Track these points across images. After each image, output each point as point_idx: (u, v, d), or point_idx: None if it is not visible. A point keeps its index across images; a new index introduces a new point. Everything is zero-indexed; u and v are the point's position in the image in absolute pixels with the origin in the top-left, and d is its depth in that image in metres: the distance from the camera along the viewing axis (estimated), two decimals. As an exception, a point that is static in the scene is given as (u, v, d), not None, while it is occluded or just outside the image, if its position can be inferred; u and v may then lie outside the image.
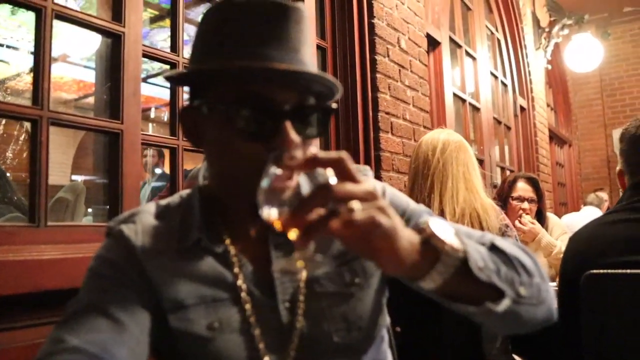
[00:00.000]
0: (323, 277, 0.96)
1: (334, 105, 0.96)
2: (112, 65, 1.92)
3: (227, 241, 0.96)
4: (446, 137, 2.13)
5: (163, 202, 1.03)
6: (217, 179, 0.98)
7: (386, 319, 1.06)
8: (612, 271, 1.50)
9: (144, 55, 2.00)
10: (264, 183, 0.73)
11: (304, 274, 0.95)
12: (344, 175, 0.71)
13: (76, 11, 1.78)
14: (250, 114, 0.87)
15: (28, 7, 1.66)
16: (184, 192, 1.05)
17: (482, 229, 1.91)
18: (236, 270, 0.93)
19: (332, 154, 0.71)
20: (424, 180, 2.06)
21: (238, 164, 0.89)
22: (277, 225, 0.73)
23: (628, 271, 1.46)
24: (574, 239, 1.82)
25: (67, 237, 1.65)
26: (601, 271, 1.52)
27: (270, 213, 0.73)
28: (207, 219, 0.97)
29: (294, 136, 0.83)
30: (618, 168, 1.84)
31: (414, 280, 0.77)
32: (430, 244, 0.76)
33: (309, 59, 0.92)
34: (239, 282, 0.92)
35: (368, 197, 0.70)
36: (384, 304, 1.05)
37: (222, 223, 0.98)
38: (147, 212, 0.99)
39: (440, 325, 1.83)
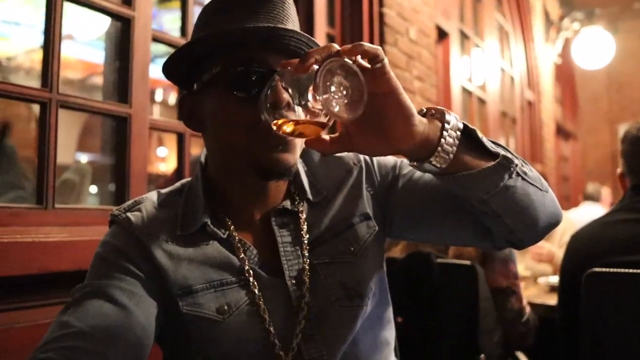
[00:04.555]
0: (320, 251, 0.99)
1: None
2: (121, 49, 1.92)
3: (231, 227, 0.97)
4: None
5: (165, 190, 1.05)
6: (218, 157, 1.00)
7: (387, 295, 1.10)
8: (613, 270, 1.52)
9: (154, 40, 1.99)
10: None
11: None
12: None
13: (86, -6, 1.78)
14: (242, 78, 0.90)
15: (39, -11, 1.66)
16: (185, 180, 1.07)
17: None
18: (241, 254, 0.95)
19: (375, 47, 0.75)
20: None
21: (236, 131, 0.91)
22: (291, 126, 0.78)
23: (629, 271, 1.48)
24: (575, 238, 1.83)
25: (74, 219, 1.66)
26: (602, 269, 1.54)
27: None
28: (210, 205, 0.99)
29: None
30: (619, 170, 1.85)
31: (425, 160, 0.82)
32: (431, 111, 0.84)
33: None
34: (246, 266, 0.94)
35: (378, 52, 0.74)
36: (384, 276, 1.09)
37: (224, 209, 0.99)
38: (151, 200, 1.01)
39: (439, 318, 1.85)
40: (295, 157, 0.94)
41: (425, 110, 0.85)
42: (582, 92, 9.44)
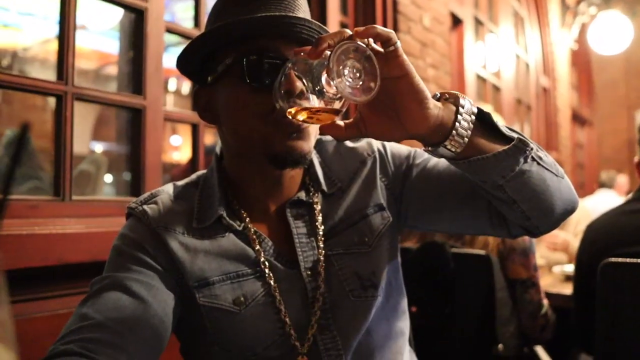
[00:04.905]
0: (334, 242, 1.00)
1: None
2: (134, 41, 1.93)
3: (247, 219, 0.98)
4: None
5: (181, 182, 1.06)
6: (233, 149, 1.00)
7: (402, 285, 1.10)
8: (629, 260, 1.50)
9: (167, 31, 2.00)
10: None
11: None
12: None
13: (101, -14, 1.78)
14: (255, 67, 0.90)
15: (53, -18, 1.67)
16: (201, 172, 1.08)
17: None
18: (257, 246, 0.96)
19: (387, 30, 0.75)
20: None
21: (250, 120, 0.92)
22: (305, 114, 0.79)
23: (645, 261, 1.46)
24: (590, 228, 1.81)
25: (91, 210, 1.68)
26: (618, 260, 1.52)
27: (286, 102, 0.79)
28: (226, 197, 1.00)
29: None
30: (636, 158, 1.82)
31: (439, 145, 0.81)
32: (445, 95, 0.83)
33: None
34: (261, 258, 0.95)
35: (391, 36, 0.74)
36: (399, 266, 1.09)
37: (239, 200, 1.00)
38: (167, 193, 1.02)
39: (453, 308, 1.85)
40: (310, 145, 0.94)
41: (439, 94, 0.84)
42: (599, 77, 9.30)
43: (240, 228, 0.97)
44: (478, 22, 4.55)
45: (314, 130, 0.95)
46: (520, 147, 0.83)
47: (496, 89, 4.92)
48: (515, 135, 0.84)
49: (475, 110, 0.82)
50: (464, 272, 1.83)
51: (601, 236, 1.74)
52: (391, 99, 0.77)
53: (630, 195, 1.81)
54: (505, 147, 0.82)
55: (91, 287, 0.89)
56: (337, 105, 0.77)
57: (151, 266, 0.91)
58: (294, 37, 0.92)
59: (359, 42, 0.72)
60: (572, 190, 0.94)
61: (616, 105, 9.28)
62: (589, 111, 8.95)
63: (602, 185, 5.59)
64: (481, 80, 4.61)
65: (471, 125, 0.81)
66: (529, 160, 0.84)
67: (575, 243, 3.11)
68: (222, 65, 0.94)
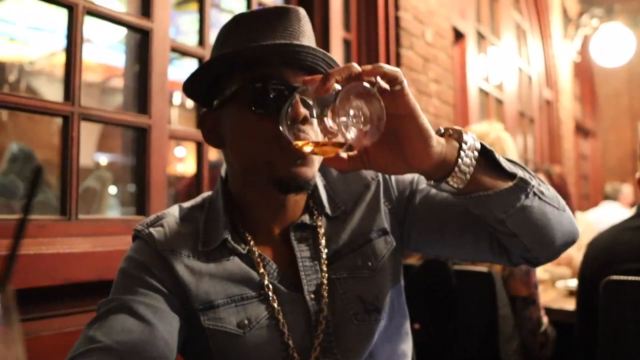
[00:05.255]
0: (338, 265, 1.01)
1: None
2: (140, 60, 1.96)
3: (251, 242, 1.00)
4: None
5: (186, 204, 1.08)
6: (238, 173, 1.02)
7: (404, 307, 1.12)
8: (632, 278, 1.51)
9: (172, 50, 2.03)
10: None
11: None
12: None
13: (107, 8, 1.81)
14: (261, 94, 0.92)
15: (60, 4, 1.70)
16: (206, 194, 1.10)
17: None
18: (261, 269, 0.97)
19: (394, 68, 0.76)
20: None
21: (255, 146, 0.93)
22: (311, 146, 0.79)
23: (647, 279, 1.47)
24: (592, 244, 1.82)
25: (97, 229, 1.70)
26: (620, 277, 1.53)
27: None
28: (231, 220, 1.01)
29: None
30: (638, 175, 1.83)
31: (442, 180, 0.83)
32: (449, 131, 0.84)
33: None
34: (265, 281, 0.96)
35: (397, 75, 0.75)
36: (402, 289, 1.11)
37: (244, 223, 1.02)
38: (173, 215, 1.04)
39: (456, 324, 1.85)
40: (313, 171, 0.96)
41: (443, 130, 0.86)
42: (602, 88, 9.30)
43: (245, 251, 0.99)
44: (480, 36, 4.58)
45: (318, 156, 0.97)
46: (521, 185, 0.85)
47: (499, 102, 4.94)
48: (518, 172, 0.86)
49: (479, 147, 0.84)
50: (466, 289, 1.84)
51: (603, 252, 1.75)
52: (395, 135, 0.79)
53: (633, 210, 1.81)
54: (507, 186, 0.84)
55: (98, 308, 0.91)
56: (341, 138, 0.78)
57: (157, 289, 0.93)
58: (299, 64, 0.94)
59: (365, 84, 0.72)
60: (573, 222, 0.96)
61: (620, 116, 9.27)
62: (592, 122, 8.95)
63: (607, 197, 5.59)
64: (484, 93, 4.63)
65: (474, 162, 0.83)
66: (530, 196, 0.86)
67: (578, 257, 3.10)
68: (227, 90, 0.96)
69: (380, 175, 1.10)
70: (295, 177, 0.93)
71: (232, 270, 0.97)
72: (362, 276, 1.02)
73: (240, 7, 2.63)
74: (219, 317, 0.93)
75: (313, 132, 0.87)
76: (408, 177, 1.11)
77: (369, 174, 1.10)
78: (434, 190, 1.06)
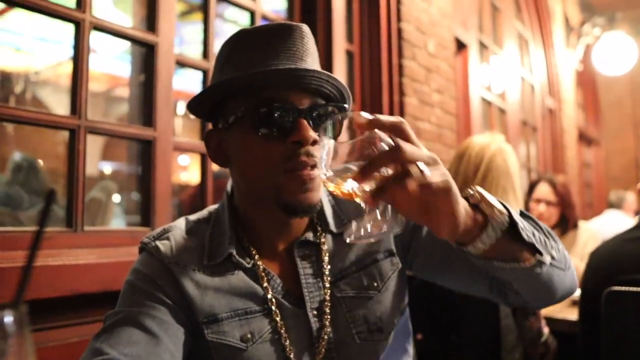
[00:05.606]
0: (343, 284, 1.02)
1: (346, 105, 1.01)
2: (145, 74, 1.98)
3: (256, 256, 1.01)
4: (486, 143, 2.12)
5: (192, 217, 1.09)
6: (244, 191, 1.03)
7: (408, 326, 1.12)
8: (634, 289, 1.52)
9: (177, 63, 2.05)
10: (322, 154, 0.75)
11: (372, 241, 0.94)
12: (405, 138, 0.72)
13: (112, 23, 1.84)
14: (266, 118, 0.92)
15: (67, 20, 1.72)
16: (212, 208, 1.11)
17: None
18: (265, 284, 0.98)
19: (392, 117, 0.74)
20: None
21: (261, 170, 0.94)
22: (338, 190, 0.76)
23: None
24: (596, 254, 1.83)
25: (102, 241, 1.72)
26: (622, 288, 1.54)
27: (328, 176, 0.75)
28: (236, 234, 1.03)
29: (311, 132, 0.87)
30: (639, 185, 1.84)
31: (463, 245, 0.82)
32: (480, 208, 0.81)
33: (314, 67, 0.98)
34: (269, 295, 0.98)
35: (432, 162, 0.73)
36: (406, 308, 1.11)
37: (249, 238, 1.03)
38: (179, 229, 1.05)
39: (459, 335, 1.86)
40: (319, 195, 0.97)
41: (477, 196, 0.82)
42: (605, 96, 9.30)
43: (250, 265, 1.00)
44: (482, 46, 4.60)
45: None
46: (536, 265, 0.85)
47: (501, 111, 4.95)
48: (537, 245, 0.85)
49: (506, 225, 0.81)
50: (469, 300, 1.84)
51: (605, 263, 1.76)
52: (426, 203, 0.74)
53: (635, 220, 1.82)
54: (524, 265, 0.84)
55: (105, 320, 0.92)
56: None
57: (163, 301, 0.94)
58: (304, 87, 0.94)
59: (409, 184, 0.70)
60: (574, 279, 0.99)
61: (623, 124, 9.26)
62: (595, 130, 8.94)
63: (611, 205, 5.58)
64: (486, 103, 4.64)
65: (494, 241, 0.81)
66: (546, 260, 0.87)
67: (582, 266, 3.09)
68: (232, 113, 0.96)
69: None
70: (301, 202, 0.94)
71: (237, 285, 0.98)
72: (367, 296, 1.03)
73: (244, 17, 2.65)
74: (223, 330, 0.95)
75: (344, 186, 0.79)
76: None
77: None
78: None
